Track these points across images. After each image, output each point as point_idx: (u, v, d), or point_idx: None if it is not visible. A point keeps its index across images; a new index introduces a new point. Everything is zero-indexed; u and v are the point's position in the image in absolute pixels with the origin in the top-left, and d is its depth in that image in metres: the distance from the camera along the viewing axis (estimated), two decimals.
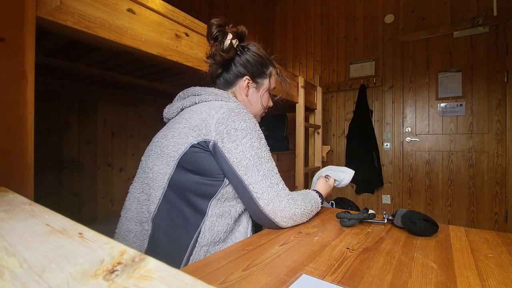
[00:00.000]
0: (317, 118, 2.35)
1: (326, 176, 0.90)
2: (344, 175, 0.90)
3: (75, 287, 0.16)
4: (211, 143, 0.62)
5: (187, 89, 0.78)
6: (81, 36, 0.70)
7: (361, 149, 2.81)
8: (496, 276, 0.44)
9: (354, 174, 0.90)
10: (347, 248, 0.55)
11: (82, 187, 1.69)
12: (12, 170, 0.55)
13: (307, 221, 0.73)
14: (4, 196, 0.35)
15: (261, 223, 0.68)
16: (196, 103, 0.72)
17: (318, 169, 2.34)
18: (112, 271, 0.17)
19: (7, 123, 0.54)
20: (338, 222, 0.73)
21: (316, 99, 2.32)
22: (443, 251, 0.55)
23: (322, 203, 0.79)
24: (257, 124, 0.69)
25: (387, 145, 2.81)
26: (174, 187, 0.64)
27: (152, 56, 0.87)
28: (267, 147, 0.68)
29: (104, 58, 1.13)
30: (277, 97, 0.94)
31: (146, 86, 1.56)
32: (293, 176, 2.22)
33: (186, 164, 0.63)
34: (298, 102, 1.92)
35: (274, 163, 0.68)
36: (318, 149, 2.37)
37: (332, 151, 3.12)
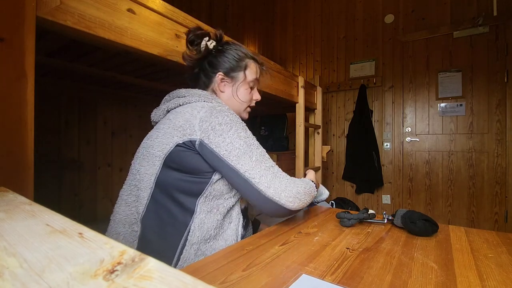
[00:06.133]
0: (317, 118, 2.35)
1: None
2: (324, 192, 0.96)
3: (75, 287, 0.16)
4: (197, 142, 0.63)
5: (173, 91, 0.79)
6: (81, 36, 0.70)
7: (361, 149, 2.80)
8: (496, 276, 0.44)
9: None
10: (347, 248, 0.55)
11: (82, 187, 1.69)
12: (12, 170, 0.55)
13: (307, 208, 0.73)
14: (4, 196, 0.35)
15: (267, 211, 0.64)
16: (180, 105, 0.72)
17: (318, 169, 2.34)
18: (112, 271, 0.17)
19: (7, 123, 0.54)
20: (338, 222, 0.73)
21: (316, 99, 2.31)
22: (443, 251, 0.55)
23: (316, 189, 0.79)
24: (240, 119, 0.70)
25: (387, 145, 2.81)
26: (161, 186, 0.65)
27: (152, 56, 0.87)
28: (254, 136, 0.69)
29: (104, 58, 1.13)
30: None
31: (146, 86, 1.56)
32: (293, 176, 2.22)
33: (171, 163, 0.64)
34: (298, 102, 1.91)
35: (264, 150, 0.68)
36: (318, 149, 2.37)
37: (332, 151, 3.12)
